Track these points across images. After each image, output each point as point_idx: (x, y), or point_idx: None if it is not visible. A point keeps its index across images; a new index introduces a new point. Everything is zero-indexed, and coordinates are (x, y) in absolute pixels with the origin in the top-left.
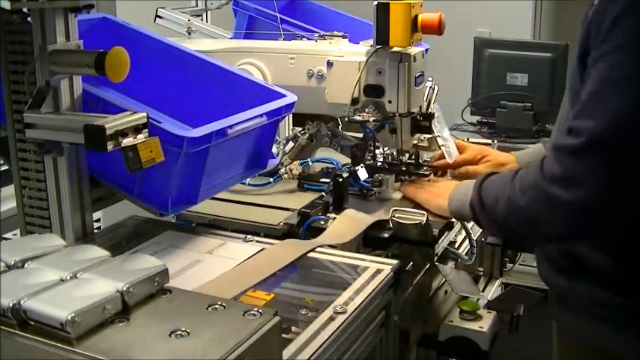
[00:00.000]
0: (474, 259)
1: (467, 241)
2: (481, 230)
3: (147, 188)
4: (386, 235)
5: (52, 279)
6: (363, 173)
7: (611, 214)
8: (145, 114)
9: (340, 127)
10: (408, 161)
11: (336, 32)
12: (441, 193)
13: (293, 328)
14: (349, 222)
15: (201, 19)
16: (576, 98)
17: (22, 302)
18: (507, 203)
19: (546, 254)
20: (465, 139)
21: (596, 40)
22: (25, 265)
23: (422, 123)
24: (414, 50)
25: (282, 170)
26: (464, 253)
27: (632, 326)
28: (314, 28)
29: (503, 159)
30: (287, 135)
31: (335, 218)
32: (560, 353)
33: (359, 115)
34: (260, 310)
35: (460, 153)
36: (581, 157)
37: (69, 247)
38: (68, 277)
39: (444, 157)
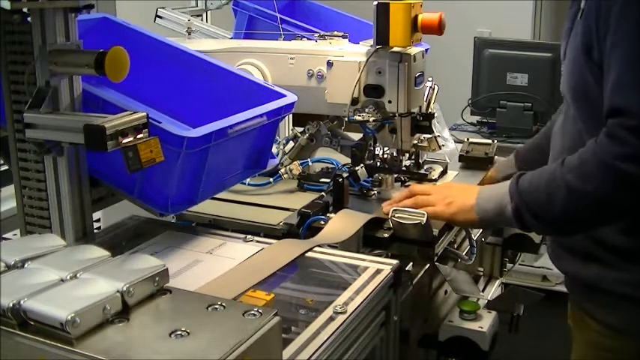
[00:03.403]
0: (473, 259)
1: (467, 241)
2: (481, 230)
3: (147, 188)
4: (386, 235)
5: (52, 279)
6: (363, 173)
7: None
8: (144, 114)
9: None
10: (408, 161)
11: (336, 32)
12: (465, 206)
13: (293, 328)
14: (343, 221)
15: (201, 19)
16: (581, 94)
17: (22, 302)
18: (569, 195)
19: (569, 246)
20: (465, 140)
21: (601, 30)
22: (25, 265)
23: (422, 123)
24: (414, 50)
25: (282, 170)
26: (464, 253)
27: None
28: (314, 28)
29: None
30: (287, 135)
31: None
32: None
33: (359, 115)
34: (260, 310)
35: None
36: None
37: (69, 247)
38: (68, 277)
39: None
